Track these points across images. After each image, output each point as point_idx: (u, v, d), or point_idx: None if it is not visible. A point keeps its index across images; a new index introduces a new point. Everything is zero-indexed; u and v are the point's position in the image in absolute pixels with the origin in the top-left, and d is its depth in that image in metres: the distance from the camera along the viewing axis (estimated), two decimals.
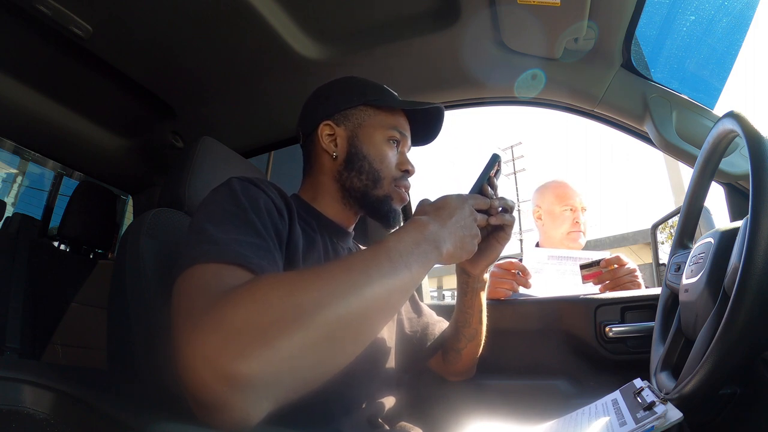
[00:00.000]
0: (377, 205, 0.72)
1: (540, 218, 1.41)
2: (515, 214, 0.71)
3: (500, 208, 0.67)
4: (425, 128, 0.80)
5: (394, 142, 0.74)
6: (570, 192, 1.36)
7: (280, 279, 0.40)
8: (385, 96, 0.76)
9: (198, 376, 0.33)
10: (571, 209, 1.34)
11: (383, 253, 0.46)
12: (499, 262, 1.11)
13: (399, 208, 0.74)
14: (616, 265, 1.06)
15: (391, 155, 0.73)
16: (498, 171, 0.72)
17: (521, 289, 1.11)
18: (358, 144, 0.72)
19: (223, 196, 0.55)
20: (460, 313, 0.79)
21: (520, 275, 1.08)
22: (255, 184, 0.58)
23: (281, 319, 0.36)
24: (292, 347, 0.35)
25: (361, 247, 0.82)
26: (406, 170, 0.74)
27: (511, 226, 0.69)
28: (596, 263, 1.09)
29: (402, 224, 0.68)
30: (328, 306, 0.38)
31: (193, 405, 0.36)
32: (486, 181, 0.67)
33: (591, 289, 1.10)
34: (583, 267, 1.10)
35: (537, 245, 1.43)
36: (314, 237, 0.66)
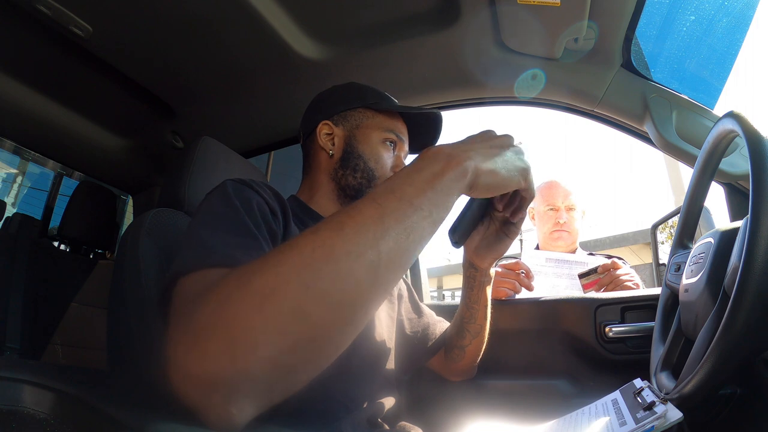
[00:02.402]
0: None
1: (533, 218, 1.42)
2: None
3: None
4: (424, 135, 0.82)
5: (390, 144, 0.76)
6: (553, 192, 1.35)
7: (244, 267, 0.35)
8: (384, 100, 0.78)
9: (173, 380, 0.32)
10: (552, 209, 1.34)
11: (366, 199, 0.38)
12: (503, 262, 1.11)
13: None
14: (612, 269, 1.07)
15: (387, 156, 0.75)
16: None
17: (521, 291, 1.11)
18: (355, 143, 0.74)
19: (217, 198, 0.55)
20: (465, 309, 0.79)
21: (524, 276, 1.08)
22: (249, 185, 0.58)
23: (240, 309, 0.32)
24: (257, 338, 0.31)
25: None
26: None
27: (521, 218, 0.69)
28: (594, 271, 1.09)
29: None
30: (288, 282, 0.32)
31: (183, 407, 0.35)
32: None
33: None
34: (581, 276, 1.11)
35: (537, 247, 1.43)
36: None
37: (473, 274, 0.75)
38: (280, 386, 0.33)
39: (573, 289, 1.14)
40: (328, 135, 0.75)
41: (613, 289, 1.05)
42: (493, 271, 0.77)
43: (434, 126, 0.81)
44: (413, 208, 0.37)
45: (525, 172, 0.50)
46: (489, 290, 0.78)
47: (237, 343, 0.31)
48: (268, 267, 0.33)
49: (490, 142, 0.48)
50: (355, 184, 0.73)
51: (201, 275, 0.42)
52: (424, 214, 0.38)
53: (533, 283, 1.07)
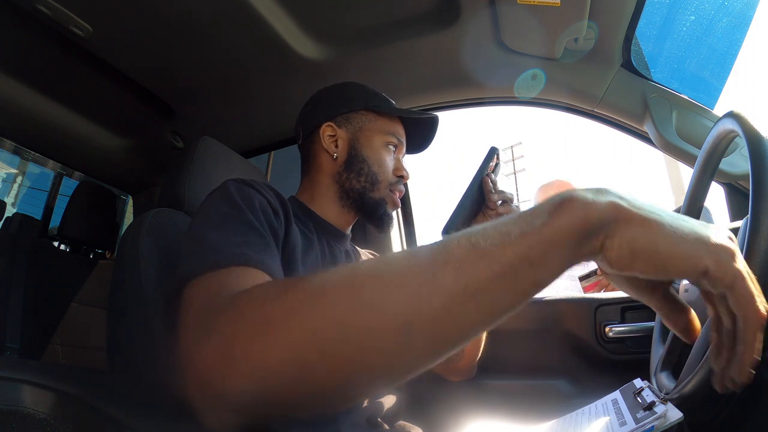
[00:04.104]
0: (373, 208, 0.73)
1: None
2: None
3: (500, 202, 0.68)
4: (419, 136, 0.82)
5: (392, 148, 0.76)
6: None
7: (273, 284, 0.35)
8: (385, 102, 0.78)
9: (189, 384, 0.31)
10: None
11: (455, 237, 0.28)
12: None
13: (392, 212, 0.75)
14: None
15: (389, 160, 0.75)
16: (497, 164, 0.73)
17: None
18: (359, 147, 0.74)
19: (219, 199, 0.55)
20: None
21: None
22: (250, 185, 0.58)
23: (257, 329, 0.31)
24: (267, 364, 0.29)
25: (358, 249, 0.83)
26: (401, 176, 0.76)
27: None
28: (593, 273, 1.10)
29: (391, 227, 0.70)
30: (308, 313, 0.29)
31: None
32: (486, 175, 0.68)
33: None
34: (582, 279, 1.11)
35: None
36: (312, 239, 0.67)
37: None
38: (288, 408, 0.32)
39: (572, 290, 1.14)
40: (332, 137, 0.75)
41: (613, 289, 1.05)
42: None
43: (430, 129, 0.82)
44: (494, 263, 0.26)
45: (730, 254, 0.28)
46: None
47: (251, 365, 0.30)
48: (300, 288, 0.31)
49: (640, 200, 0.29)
50: (359, 187, 0.72)
51: (215, 277, 0.42)
52: (521, 273, 0.26)
53: None
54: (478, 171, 0.70)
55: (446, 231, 0.65)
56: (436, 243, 0.29)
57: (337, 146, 0.74)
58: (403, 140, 0.78)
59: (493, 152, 0.71)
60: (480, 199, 0.70)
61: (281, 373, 0.29)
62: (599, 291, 1.08)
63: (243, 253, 0.44)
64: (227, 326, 0.32)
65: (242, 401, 0.30)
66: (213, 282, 0.42)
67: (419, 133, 0.82)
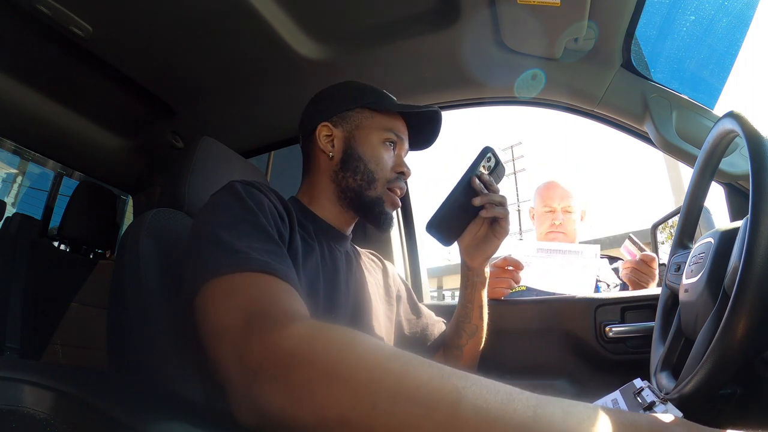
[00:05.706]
0: (369, 206, 0.72)
1: (533, 218, 1.42)
2: (515, 214, 0.71)
3: (493, 205, 0.68)
4: (423, 132, 0.81)
5: (390, 144, 0.75)
6: (551, 193, 1.36)
7: (344, 336, 0.36)
8: (383, 99, 0.77)
9: (235, 391, 0.36)
10: (550, 210, 1.34)
11: (520, 395, 0.31)
12: (494, 261, 1.10)
13: (391, 212, 0.74)
14: (649, 263, 1.08)
15: (387, 157, 0.74)
16: (497, 164, 0.72)
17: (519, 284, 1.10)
18: (354, 145, 0.73)
19: (230, 200, 0.55)
20: (461, 308, 0.80)
21: (513, 270, 1.06)
22: (256, 187, 0.58)
23: (325, 379, 0.33)
24: (319, 413, 0.32)
25: (358, 249, 0.83)
26: (401, 172, 0.75)
27: (505, 218, 0.70)
28: (640, 248, 1.11)
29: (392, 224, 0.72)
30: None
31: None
32: (475, 175, 0.68)
33: (586, 285, 1.11)
34: (632, 242, 1.15)
35: None
36: (312, 244, 0.67)
37: (466, 273, 0.76)
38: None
39: (564, 280, 1.14)
40: (328, 137, 0.74)
41: (636, 279, 1.05)
42: (488, 271, 0.77)
43: (433, 124, 0.80)
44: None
45: None
46: (484, 291, 0.78)
47: (307, 409, 0.33)
48: (375, 363, 0.33)
49: None
50: (355, 186, 0.72)
51: (240, 280, 0.43)
52: None
53: (523, 274, 1.06)
54: (467, 170, 0.69)
55: (429, 226, 0.67)
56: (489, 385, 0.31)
57: (333, 145, 0.74)
58: (404, 136, 0.77)
59: (485, 152, 0.71)
60: (468, 197, 0.70)
61: (325, 424, 0.32)
62: (627, 267, 1.08)
63: (266, 261, 0.45)
64: (295, 368, 0.34)
65: (278, 421, 0.34)
66: (239, 284, 0.42)
67: (423, 129, 0.81)
